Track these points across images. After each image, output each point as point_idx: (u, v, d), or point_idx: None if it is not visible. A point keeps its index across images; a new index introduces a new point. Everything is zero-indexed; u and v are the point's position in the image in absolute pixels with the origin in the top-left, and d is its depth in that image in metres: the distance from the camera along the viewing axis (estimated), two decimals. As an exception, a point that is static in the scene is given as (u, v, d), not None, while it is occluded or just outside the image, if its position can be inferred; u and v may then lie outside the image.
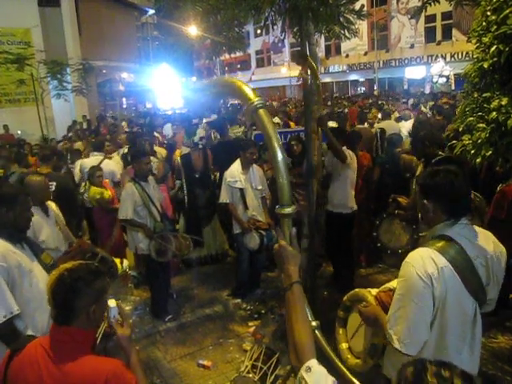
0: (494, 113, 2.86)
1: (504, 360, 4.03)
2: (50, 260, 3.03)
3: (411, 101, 16.18)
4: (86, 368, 1.74)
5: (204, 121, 12.93)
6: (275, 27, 5.39)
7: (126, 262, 6.17)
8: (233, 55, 7.36)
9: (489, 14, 2.94)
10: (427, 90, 25.42)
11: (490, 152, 2.92)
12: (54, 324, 1.80)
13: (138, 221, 5.02)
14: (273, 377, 3.79)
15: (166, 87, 30.69)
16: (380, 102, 17.40)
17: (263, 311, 5.19)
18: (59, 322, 1.78)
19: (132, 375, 1.82)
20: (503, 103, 2.82)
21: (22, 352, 1.84)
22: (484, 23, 3.04)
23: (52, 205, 4.05)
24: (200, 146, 6.84)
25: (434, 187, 2.16)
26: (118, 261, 5.58)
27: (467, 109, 3.48)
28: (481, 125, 3.04)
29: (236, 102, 30.00)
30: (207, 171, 6.67)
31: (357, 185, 5.82)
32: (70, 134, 12.94)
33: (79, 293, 1.77)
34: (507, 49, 2.62)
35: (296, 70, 4.74)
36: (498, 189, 4.58)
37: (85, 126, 15.23)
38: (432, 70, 25.50)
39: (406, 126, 9.15)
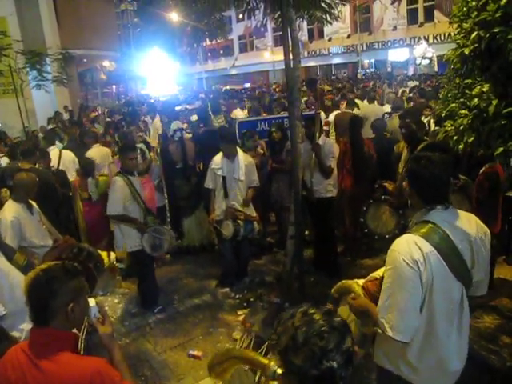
0: (476, 99, 2.87)
1: (489, 339, 4.12)
2: (22, 261, 3.02)
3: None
4: (69, 368, 1.74)
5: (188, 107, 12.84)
6: (257, 12, 5.34)
7: (113, 255, 6.14)
8: (215, 41, 7.25)
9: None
10: (410, 72, 25.46)
11: (472, 138, 2.94)
12: (33, 326, 1.80)
13: (130, 216, 4.90)
14: (263, 365, 3.83)
15: (156, 73, 30.15)
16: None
17: (252, 299, 5.21)
18: (37, 323, 1.79)
19: (116, 372, 1.83)
20: (484, 90, 2.84)
21: (3, 358, 1.83)
22: (465, 9, 3.03)
23: (33, 203, 4.02)
24: (176, 138, 6.76)
25: (413, 173, 2.21)
26: (105, 254, 5.54)
27: (449, 94, 3.50)
28: (463, 111, 3.05)
29: (228, 87, 29.64)
30: (187, 162, 6.57)
31: (343, 170, 5.83)
32: (50, 126, 12.73)
33: (54, 293, 1.77)
34: (487, 35, 2.62)
35: (279, 55, 4.72)
36: (481, 171, 4.66)
37: (66, 116, 14.99)
38: (415, 52, 25.53)
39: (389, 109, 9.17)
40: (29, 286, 1.77)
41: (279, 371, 1.58)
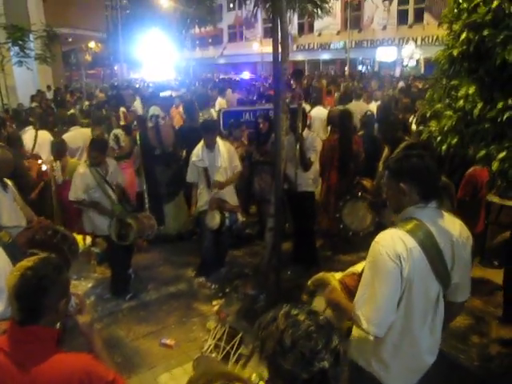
0: (461, 101, 2.89)
1: (458, 338, 4.18)
2: (8, 238, 2.94)
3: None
4: (57, 368, 1.66)
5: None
6: (248, 1, 5.28)
7: (88, 239, 6.07)
8: (204, 29, 7.15)
9: (461, 1, 2.94)
10: (397, 73, 25.62)
11: (456, 140, 2.96)
12: (16, 325, 1.68)
13: (89, 200, 4.88)
14: (236, 356, 3.82)
15: (149, 57, 29.52)
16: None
17: (227, 290, 5.19)
18: (24, 322, 1.67)
19: (102, 366, 1.77)
20: (470, 92, 2.85)
21: None
22: (455, 10, 3.04)
23: (8, 181, 3.91)
24: (151, 125, 6.64)
25: (411, 169, 2.17)
26: (80, 238, 5.46)
27: (435, 95, 3.51)
28: (448, 112, 3.07)
29: (223, 76, 29.00)
30: (167, 149, 6.47)
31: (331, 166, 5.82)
32: (33, 105, 12.47)
33: (47, 291, 1.67)
34: (476, 37, 2.63)
35: (268, 46, 4.65)
36: (467, 173, 4.75)
37: (50, 95, 14.70)
38: (403, 52, 25.71)
39: (375, 107, 9.19)
40: (17, 287, 1.65)
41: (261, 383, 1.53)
